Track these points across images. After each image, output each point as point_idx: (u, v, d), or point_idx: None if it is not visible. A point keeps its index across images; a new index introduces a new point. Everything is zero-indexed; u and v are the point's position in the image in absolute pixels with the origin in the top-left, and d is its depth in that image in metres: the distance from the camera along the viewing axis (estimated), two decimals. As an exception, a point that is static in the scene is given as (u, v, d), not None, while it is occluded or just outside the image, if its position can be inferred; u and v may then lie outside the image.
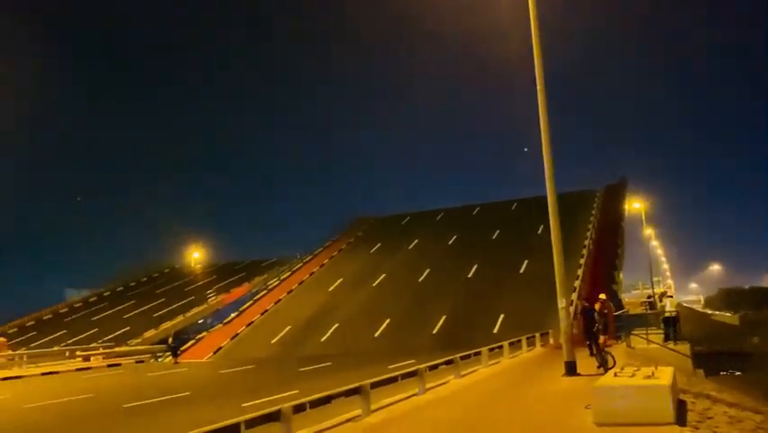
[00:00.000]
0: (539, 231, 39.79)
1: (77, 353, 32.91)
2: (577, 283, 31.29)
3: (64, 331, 42.38)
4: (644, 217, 51.76)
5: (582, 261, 34.86)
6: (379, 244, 48.50)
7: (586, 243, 38.13)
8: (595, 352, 16.07)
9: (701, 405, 12.02)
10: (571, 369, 15.03)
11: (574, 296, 28.54)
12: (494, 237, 44.14)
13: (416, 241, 47.05)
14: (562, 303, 15.73)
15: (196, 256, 63.31)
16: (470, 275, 37.49)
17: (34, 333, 43.39)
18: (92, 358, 32.68)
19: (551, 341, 25.23)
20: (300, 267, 47.14)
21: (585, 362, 15.79)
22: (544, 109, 16.74)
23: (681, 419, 9.48)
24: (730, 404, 13.71)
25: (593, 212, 44.77)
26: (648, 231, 55.48)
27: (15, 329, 44.81)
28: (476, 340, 24.20)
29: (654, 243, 71.14)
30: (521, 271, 36.32)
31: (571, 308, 20.27)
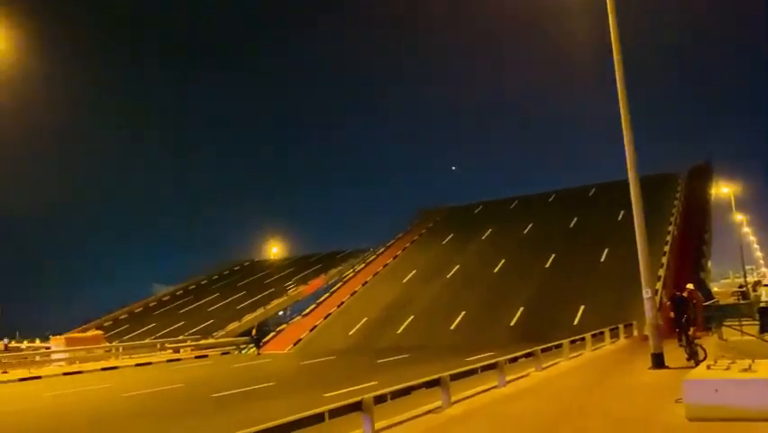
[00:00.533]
0: (619, 217, 38.41)
1: (168, 345, 34.62)
2: (661, 272, 29.81)
3: (154, 324, 44.70)
4: (733, 203, 48.96)
5: (667, 248, 33.22)
6: (451, 235, 47.91)
7: (670, 228, 36.31)
8: (684, 343, 15.38)
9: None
10: (658, 361, 14.45)
11: (659, 285, 27.28)
12: (572, 225, 42.70)
13: (490, 230, 46.18)
14: (647, 293, 15.14)
15: (275, 251, 65.21)
16: (547, 265, 36.53)
17: (127, 325, 46.10)
18: (181, 350, 34.33)
19: (635, 333, 24.32)
20: (374, 259, 47.29)
21: (673, 354, 15.13)
22: (623, 85, 16.06)
23: (783, 415, 8.93)
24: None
25: (677, 195, 42.59)
26: (739, 217, 52.42)
27: (110, 322, 47.95)
28: (555, 332, 23.66)
29: (746, 229, 67.06)
30: (601, 260, 35.04)
31: (657, 298, 19.41)
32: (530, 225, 44.89)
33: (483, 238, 45.36)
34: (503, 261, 38.92)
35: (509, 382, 13.50)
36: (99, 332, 36.66)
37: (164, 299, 54.43)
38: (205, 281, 58.58)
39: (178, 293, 55.63)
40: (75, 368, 28.51)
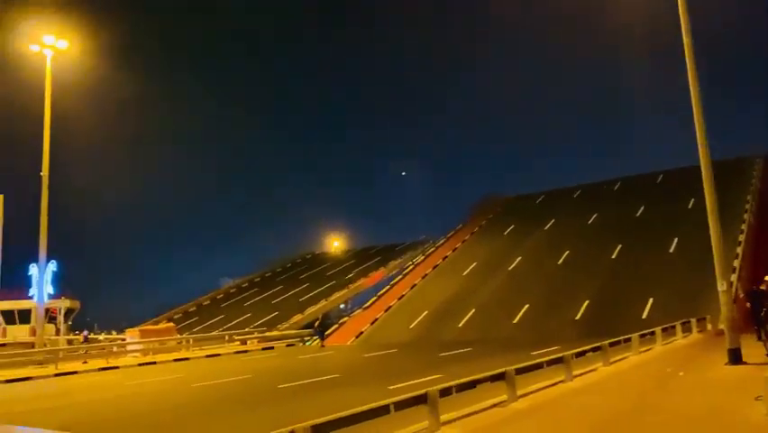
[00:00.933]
0: (689, 205, 36.65)
1: (235, 337, 35.69)
2: (736, 263, 28.42)
3: (221, 316, 45.99)
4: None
5: (742, 237, 31.65)
6: (512, 226, 46.96)
7: (745, 216, 34.63)
8: (764, 338, 14.68)
9: None
10: (735, 357, 13.85)
11: (734, 277, 25.97)
12: (638, 214, 41.16)
13: (553, 221, 45.00)
14: (722, 286, 14.53)
15: (336, 245, 66.09)
16: (613, 256, 35.35)
17: (196, 318, 47.67)
18: (248, 342, 35.33)
19: (708, 327, 23.36)
20: (433, 251, 46.92)
21: (751, 350, 14.47)
22: (693, 64, 15.41)
23: None
24: None
25: (752, 181, 40.46)
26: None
27: (180, 314, 49.73)
28: (623, 326, 22.94)
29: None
30: (671, 251, 33.64)
31: (732, 291, 18.55)
32: (595, 215, 43.57)
33: (546, 229, 44.23)
34: (567, 252, 37.96)
35: (576, 376, 13.26)
36: (171, 324, 38.17)
37: (231, 291, 55.96)
38: (270, 274, 59.87)
39: (243, 285, 57.03)
40: (149, 359, 29.79)
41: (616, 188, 50.04)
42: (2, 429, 3.84)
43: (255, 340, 35.60)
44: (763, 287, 16.80)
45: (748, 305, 18.98)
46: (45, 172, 31.11)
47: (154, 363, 28.47)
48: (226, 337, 35.26)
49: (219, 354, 30.87)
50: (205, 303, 53.18)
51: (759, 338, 17.13)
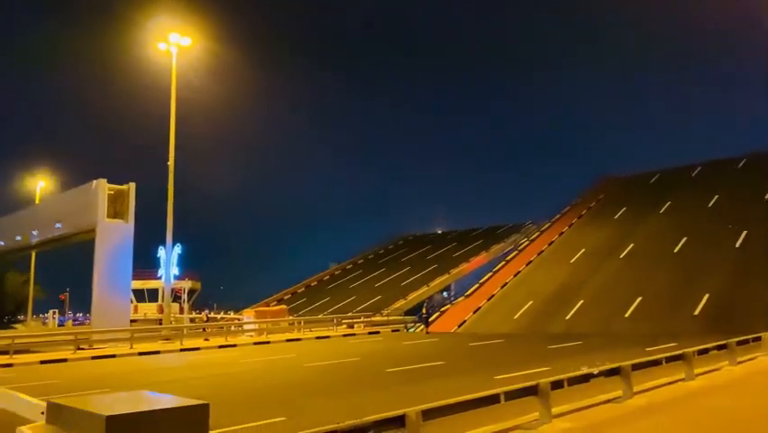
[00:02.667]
0: None
1: (343, 321, 36.82)
2: None
3: (327, 298, 47.31)
4: None
5: None
6: (624, 209, 44.28)
7: None
8: None
9: None
10: None
11: None
12: (767, 197, 37.63)
13: (669, 203, 42.11)
14: None
15: (439, 231, 65.93)
16: (737, 244, 32.60)
17: (304, 299, 49.32)
18: (355, 326, 36.31)
19: None
20: (538, 236, 45.22)
21: None
22: None
23: None
24: None
25: None
26: None
27: (289, 295, 51.71)
28: (749, 323, 21.31)
29: None
30: None
31: None
32: (716, 197, 40.24)
33: (661, 212, 41.51)
34: (684, 239, 35.43)
35: (698, 375, 12.51)
36: (284, 306, 40.01)
37: (336, 273, 57.24)
38: (372, 256, 60.61)
39: (348, 267, 58.19)
40: (263, 338, 31.44)
41: (740, 165, 45.62)
42: (140, 395, 4.24)
43: (362, 324, 36.50)
44: None
45: None
46: (171, 162, 33.48)
47: (268, 342, 30.01)
48: (335, 321, 36.42)
49: (328, 337, 31.99)
50: (313, 284, 54.77)
51: None
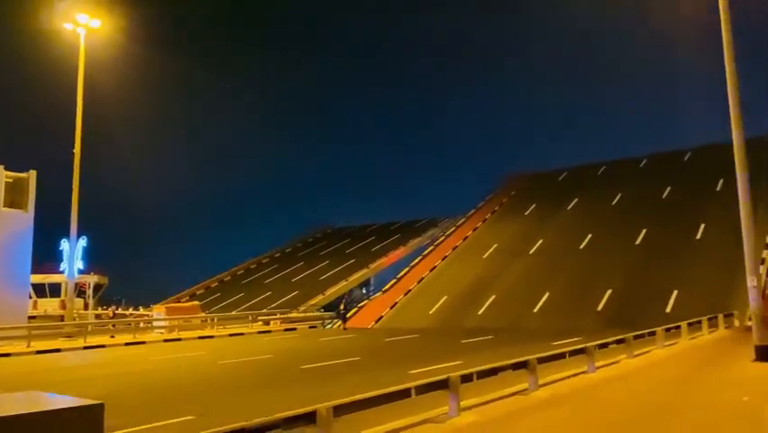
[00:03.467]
0: (718, 187, 35.35)
1: (259, 318, 36.17)
2: (765, 253, 27.35)
3: (242, 294, 46.14)
4: None
5: None
6: (534, 205, 45.44)
7: None
8: None
9: None
10: (763, 354, 13.64)
11: (763, 269, 25.04)
12: (664, 195, 39.54)
13: (576, 200, 43.48)
14: (752, 281, 14.24)
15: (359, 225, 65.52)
16: (637, 242, 34.20)
17: (218, 294, 47.89)
18: (271, 323, 35.77)
19: (736, 323, 22.98)
20: (453, 231, 45.71)
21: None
22: (728, 33, 14.90)
23: None
24: None
25: None
26: None
27: (202, 290, 50.07)
28: (646, 319, 22.72)
29: None
30: (697, 238, 32.42)
31: (762, 284, 18.16)
32: (619, 195, 41.86)
33: (568, 209, 42.72)
34: (590, 235, 36.77)
35: (599, 368, 13.19)
36: (196, 303, 38.81)
37: (251, 267, 55.85)
38: (290, 249, 59.64)
39: (264, 261, 56.91)
40: (174, 335, 30.37)
41: (642, 165, 47.62)
42: (32, 395, 3.97)
43: (278, 321, 36.03)
44: None
45: None
46: (77, 149, 31.67)
47: (179, 339, 29.05)
48: (250, 317, 35.73)
49: (242, 334, 31.34)
50: (227, 279, 53.31)
51: None
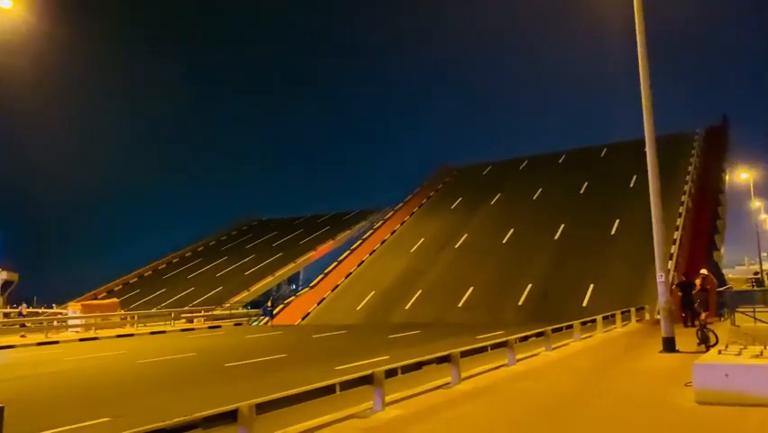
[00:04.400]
0: (631, 183, 36.66)
1: (182, 315, 35.16)
2: (674, 249, 28.72)
3: (164, 289, 44.63)
4: (752, 188, 47.98)
5: (680, 221, 31.68)
6: (460, 199, 45.91)
7: (684, 199, 34.33)
8: (697, 326, 15.41)
9: (816, 388, 11.26)
10: (669, 345, 14.48)
11: (671, 264, 26.58)
12: (582, 191, 40.82)
13: (499, 195, 44.23)
14: (660, 277, 15.08)
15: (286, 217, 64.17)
16: (556, 237, 35.27)
17: (138, 290, 45.98)
18: (195, 320, 34.85)
19: (647, 316, 24.31)
20: (381, 225, 45.78)
21: (684, 338, 15.17)
22: (642, 35, 15.63)
23: (792, 401, 8.94)
24: None
25: (691, 160, 39.82)
26: (757, 203, 51.55)
27: (120, 286, 47.93)
28: (564, 313, 23.67)
29: (763, 216, 66.14)
30: (612, 233, 33.77)
31: (669, 279, 19.29)
32: (540, 190, 42.81)
33: (492, 204, 43.36)
34: (512, 230, 37.50)
35: (519, 360, 13.62)
36: (115, 300, 37.27)
37: (174, 261, 54.01)
38: (214, 243, 57.96)
39: (187, 255, 55.09)
40: (90, 334, 29.08)
41: (561, 160, 48.78)
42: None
43: (202, 318, 35.15)
44: (698, 281, 17.54)
45: (680, 294, 20.18)
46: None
47: (96, 338, 27.85)
48: (172, 315, 34.67)
49: (164, 332, 30.40)
50: (147, 274, 51.23)
51: (685, 325, 19.09)
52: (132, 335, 29.26)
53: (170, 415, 6.55)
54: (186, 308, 37.27)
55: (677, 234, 30.41)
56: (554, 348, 15.87)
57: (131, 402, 11.82)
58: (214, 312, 36.38)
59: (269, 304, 35.39)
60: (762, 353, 9.47)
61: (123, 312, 35.01)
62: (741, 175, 45.18)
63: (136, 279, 50.14)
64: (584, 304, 27.37)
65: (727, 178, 40.75)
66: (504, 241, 36.71)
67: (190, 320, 34.75)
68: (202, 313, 36.01)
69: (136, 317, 33.68)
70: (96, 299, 40.99)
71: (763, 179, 49.88)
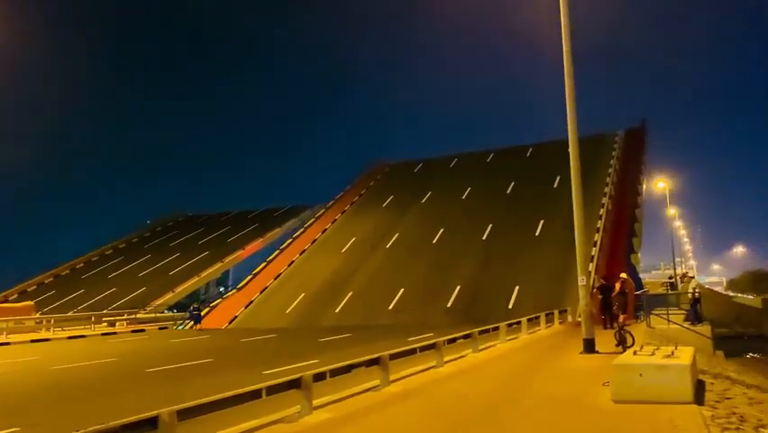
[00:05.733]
0: (555, 184, 37.27)
1: (104, 318, 33.69)
2: (594, 251, 29.45)
3: (83, 290, 42.40)
4: (668, 197, 50.65)
5: (600, 223, 32.44)
6: (391, 197, 45.57)
7: (604, 201, 35.07)
8: (616, 328, 16.09)
9: (720, 386, 12.01)
10: (589, 346, 15.04)
11: (592, 266, 27.39)
12: (509, 191, 41.32)
13: (430, 193, 44.18)
14: (582, 280, 15.66)
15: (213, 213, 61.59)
16: (484, 237, 35.48)
17: (53, 291, 43.50)
18: (117, 324, 33.46)
19: (569, 318, 25.21)
20: (313, 222, 44.96)
21: (603, 339, 15.81)
22: (568, 39, 16.11)
23: (699, 398, 9.50)
24: (749, 386, 13.68)
25: (612, 162, 40.74)
26: (672, 211, 54.44)
27: (34, 287, 45.22)
28: (491, 315, 24.23)
29: (678, 223, 70.03)
30: (536, 234, 34.31)
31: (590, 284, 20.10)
32: (469, 189, 42.87)
33: (423, 202, 43.15)
34: (441, 230, 37.46)
35: (447, 362, 13.82)
36: (30, 303, 35.28)
37: (93, 259, 51.23)
38: (137, 240, 55.29)
39: (107, 253, 52.41)
40: (1, 339, 27.42)
41: (489, 159, 49.01)
42: None
43: (124, 322, 33.80)
44: (618, 283, 18.33)
45: (600, 297, 21.08)
46: None
47: (8, 343, 26.28)
48: (92, 318, 33.16)
49: (84, 336, 29.04)
50: (65, 273, 48.41)
51: (605, 327, 19.97)
52: (48, 339, 27.81)
53: (86, 423, 6.24)
54: (104, 311, 35.53)
55: (597, 237, 31.16)
56: (481, 350, 16.20)
57: (44, 411, 11.20)
58: (138, 315, 35.04)
59: (195, 306, 34.37)
60: (673, 353, 9.99)
61: (38, 315, 33.18)
62: (658, 184, 47.54)
63: (52, 278, 47.37)
64: (510, 306, 27.86)
65: (644, 187, 42.01)
66: (434, 241, 36.66)
67: (112, 324, 33.34)
68: (125, 316, 34.61)
69: (53, 320, 31.96)
70: (6, 301, 38.69)
71: (678, 188, 52.89)
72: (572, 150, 15.94)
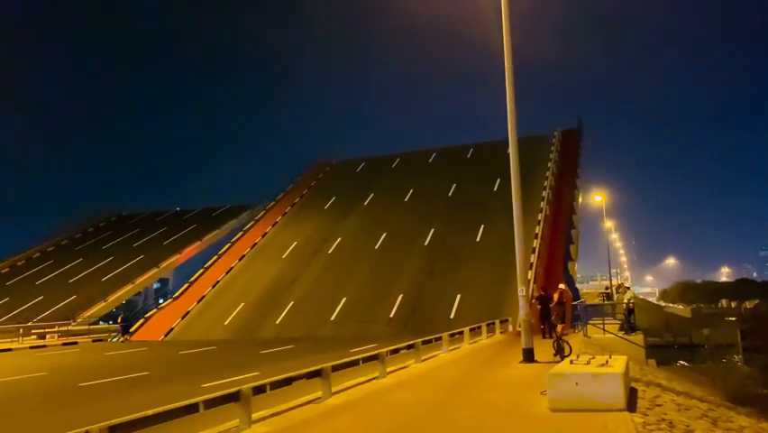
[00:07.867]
0: (495, 187, 36.87)
1: (33, 331, 32.13)
2: (533, 258, 29.50)
3: (7, 298, 39.64)
4: (604, 210, 52.30)
5: (539, 229, 32.39)
6: (333, 198, 44.35)
7: (542, 206, 34.74)
8: (554, 338, 16.48)
9: (652, 393, 12.46)
10: (528, 356, 15.34)
11: (531, 274, 27.61)
12: (450, 194, 40.52)
13: (372, 195, 43.13)
14: (521, 291, 15.99)
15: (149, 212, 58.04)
16: (426, 242, 34.93)
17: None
18: (47, 336, 31.96)
19: (510, 328, 25.67)
20: (253, 225, 43.46)
21: (542, 349, 16.16)
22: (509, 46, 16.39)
23: (631, 405, 9.83)
24: (679, 393, 14.24)
25: (549, 165, 40.53)
26: (608, 224, 56.23)
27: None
28: (433, 325, 24.33)
29: (614, 235, 72.53)
30: (477, 240, 33.89)
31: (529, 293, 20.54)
32: (411, 191, 41.94)
33: (366, 204, 42.10)
34: (384, 234, 36.63)
35: (390, 373, 13.84)
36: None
37: (19, 264, 47.65)
38: (67, 241, 51.41)
39: (35, 256, 48.68)
40: None
41: (431, 159, 48.03)
42: None
43: (56, 334, 32.33)
44: (555, 295, 18.85)
45: (539, 307, 21.62)
46: None
47: None
48: (21, 331, 31.58)
49: (11, 349, 27.60)
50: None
51: (544, 336, 20.61)
52: (-31, 354, 26.27)
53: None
54: (30, 323, 33.32)
55: (536, 243, 31.23)
56: (424, 360, 16.29)
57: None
58: (70, 327, 33.55)
59: (120, 319, 32.99)
60: (607, 362, 10.32)
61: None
62: (595, 198, 49.02)
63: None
64: (452, 316, 27.76)
65: (580, 193, 42.09)
66: (376, 246, 35.86)
67: (42, 336, 31.81)
68: (56, 328, 33.07)
69: (-26, 334, 30.28)
70: None
71: (614, 201, 54.66)
72: (513, 168, 16.21)
